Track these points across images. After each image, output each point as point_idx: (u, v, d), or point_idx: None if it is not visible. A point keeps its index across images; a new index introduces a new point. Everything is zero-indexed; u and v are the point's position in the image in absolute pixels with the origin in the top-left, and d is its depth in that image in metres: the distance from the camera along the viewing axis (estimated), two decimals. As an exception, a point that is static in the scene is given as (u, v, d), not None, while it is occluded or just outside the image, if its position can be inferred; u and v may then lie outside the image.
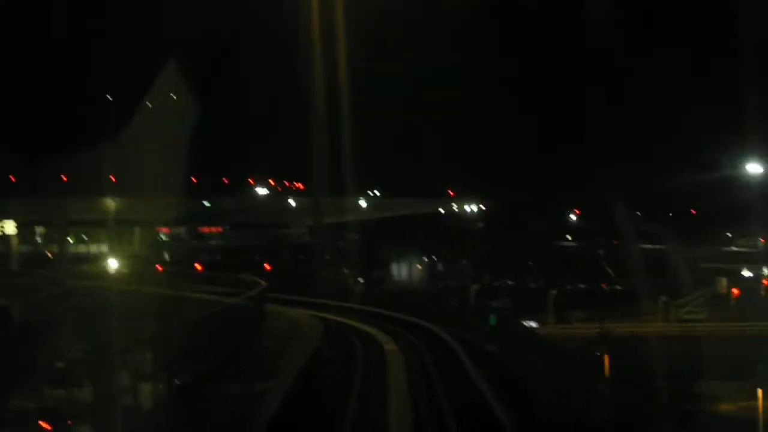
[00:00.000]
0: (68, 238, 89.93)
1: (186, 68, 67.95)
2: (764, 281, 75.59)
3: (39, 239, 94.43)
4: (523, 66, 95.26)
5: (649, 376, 37.17)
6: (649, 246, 78.30)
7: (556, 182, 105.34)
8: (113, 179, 73.96)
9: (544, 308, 66.19)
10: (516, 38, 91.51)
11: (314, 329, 37.15)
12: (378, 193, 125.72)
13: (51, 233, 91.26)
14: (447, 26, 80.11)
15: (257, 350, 29.98)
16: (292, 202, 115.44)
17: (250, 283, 41.50)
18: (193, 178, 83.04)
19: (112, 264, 69.53)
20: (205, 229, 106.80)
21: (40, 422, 20.17)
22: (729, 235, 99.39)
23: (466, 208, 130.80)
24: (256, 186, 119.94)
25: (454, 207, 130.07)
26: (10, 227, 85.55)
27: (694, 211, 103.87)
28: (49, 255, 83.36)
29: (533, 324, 61.91)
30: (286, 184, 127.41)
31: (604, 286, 75.92)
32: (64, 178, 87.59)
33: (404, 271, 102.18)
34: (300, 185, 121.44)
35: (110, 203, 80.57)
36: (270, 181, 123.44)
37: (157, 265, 70.42)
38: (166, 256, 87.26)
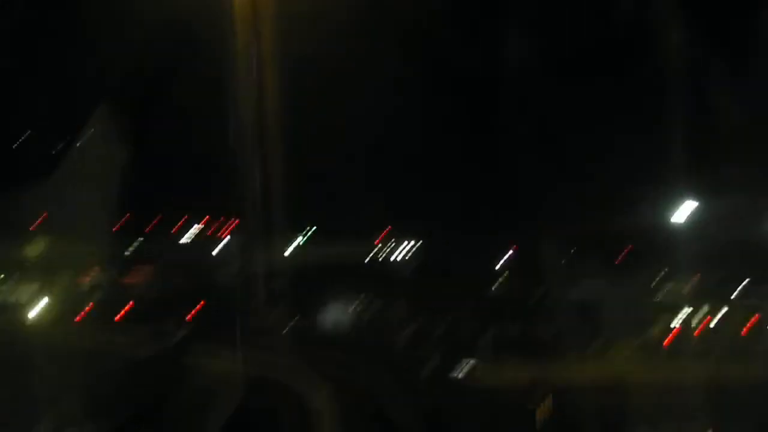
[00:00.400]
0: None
1: (115, 108, 66.85)
2: (702, 325, 75.11)
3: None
4: (448, 110, 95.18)
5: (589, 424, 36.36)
6: (584, 287, 77.74)
7: (489, 221, 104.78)
8: (37, 222, 72.18)
9: (473, 353, 65.39)
10: (447, 78, 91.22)
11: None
12: (312, 232, 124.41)
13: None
14: (378, 66, 79.80)
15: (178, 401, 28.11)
16: (223, 242, 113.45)
17: (173, 331, 39.90)
18: (122, 219, 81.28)
19: (33, 312, 67.61)
20: (134, 272, 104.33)
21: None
22: (663, 273, 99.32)
23: (401, 246, 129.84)
24: (186, 226, 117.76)
25: (388, 246, 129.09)
26: None
27: (626, 251, 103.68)
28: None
29: (463, 370, 61.09)
30: (219, 222, 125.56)
31: (536, 329, 75.02)
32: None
33: (338, 313, 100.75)
34: (232, 225, 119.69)
35: (34, 247, 78.62)
36: (202, 221, 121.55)
37: (79, 313, 68.49)
38: (90, 302, 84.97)
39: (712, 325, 71.84)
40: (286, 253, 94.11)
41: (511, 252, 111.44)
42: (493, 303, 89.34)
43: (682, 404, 46.73)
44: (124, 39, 67.23)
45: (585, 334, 65.64)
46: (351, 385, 35.31)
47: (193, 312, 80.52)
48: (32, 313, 64.49)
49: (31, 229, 71.72)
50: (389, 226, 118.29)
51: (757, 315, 76.36)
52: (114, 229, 79.71)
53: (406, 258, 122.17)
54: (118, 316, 73.52)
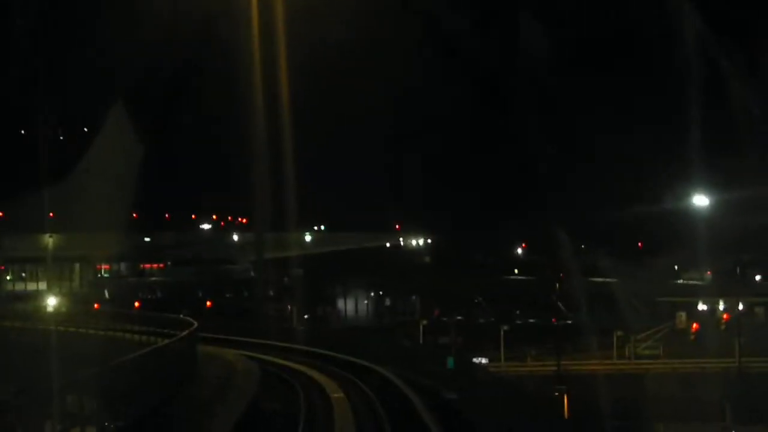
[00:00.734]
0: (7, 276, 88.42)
1: (133, 107, 66.99)
2: (725, 316, 74.39)
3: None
4: (466, 102, 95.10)
5: (609, 417, 35.91)
6: (598, 279, 77.28)
7: (502, 215, 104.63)
8: (52, 216, 72.07)
9: (494, 344, 64.77)
10: (460, 75, 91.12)
11: (251, 375, 34.24)
12: (323, 228, 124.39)
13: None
14: (390, 63, 79.85)
15: (182, 406, 27.02)
16: (235, 237, 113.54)
17: (185, 322, 39.01)
18: (134, 215, 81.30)
19: (50, 302, 67.52)
20: (147, 266, 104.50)
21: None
22: (675, 267, 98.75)
23: (413, 242, 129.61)
24: (198, 221, 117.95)
25: (401, 241, 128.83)
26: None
27: (640, 244, 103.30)
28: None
29: (484, 360, 60.50)
30: (230, 219, 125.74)
31: (554, 320, 74.62)
32: (2, 215, 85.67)
33: (350, 306, 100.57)
34: (244, 220, 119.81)
35: (50, 240, 78.58)
36: (213, 216, 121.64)
37: (95, 304, 68.26)
38: (106, 293, 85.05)
39: (734, 314, 71.28)
40: (299, 248, 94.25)
41: (528, 243, 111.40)
42: (513, 293, 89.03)
43: (705, 392, 46.36)
44: (140, 39, 67.50)
45: (606, 323, 65.13)
46: (369, 376, 34.76)
47: (208, 304, 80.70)
48: (51, 302, 64.59)
49: (49, 221, 71.90)
50: (402, 221, 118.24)
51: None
52: (130, 222, 79.90)
53: (420, 251, 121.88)
54: (138, 304, 73.66)
